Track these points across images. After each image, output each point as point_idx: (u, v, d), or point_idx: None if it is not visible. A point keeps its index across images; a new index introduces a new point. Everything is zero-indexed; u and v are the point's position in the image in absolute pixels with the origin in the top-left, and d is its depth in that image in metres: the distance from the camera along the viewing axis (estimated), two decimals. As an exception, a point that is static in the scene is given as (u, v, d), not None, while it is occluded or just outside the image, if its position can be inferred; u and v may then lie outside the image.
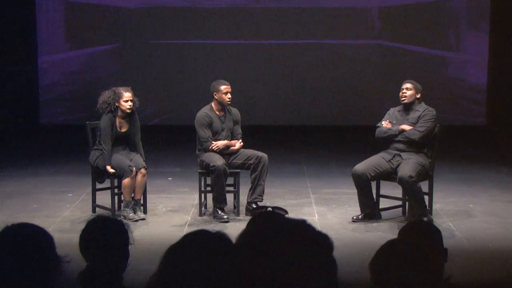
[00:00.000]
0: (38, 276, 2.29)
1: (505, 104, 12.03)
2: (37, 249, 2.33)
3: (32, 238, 2.36)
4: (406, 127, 6.88)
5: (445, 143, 8.64)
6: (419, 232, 2.95)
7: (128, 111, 7.02)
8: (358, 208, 6.97)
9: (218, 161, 6.93)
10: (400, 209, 7.19)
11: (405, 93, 6.92)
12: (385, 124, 7.00)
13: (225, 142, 7.15)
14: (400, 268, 2.39)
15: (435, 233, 3.02)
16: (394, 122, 7.00)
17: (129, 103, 7.00)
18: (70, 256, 2.42)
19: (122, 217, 6.80)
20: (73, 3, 12.30)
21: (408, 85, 6.95)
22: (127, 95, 7.00)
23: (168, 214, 7.30)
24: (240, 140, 7.25)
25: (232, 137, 7.27)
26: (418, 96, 6.94)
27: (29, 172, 9.16)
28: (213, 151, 7.07)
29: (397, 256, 2.43)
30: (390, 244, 2.51)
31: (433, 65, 12.29)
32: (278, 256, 1.71)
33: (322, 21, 12.34)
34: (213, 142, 7.10)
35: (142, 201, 7.16)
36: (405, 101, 6.93)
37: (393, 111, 7.10)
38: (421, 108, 6.94)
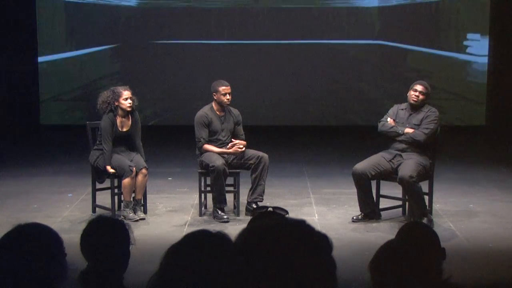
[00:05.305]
0: (43, 278, 2.29)
1: (505, 104, 12.03)
2: (47, 251, 2.33)
3: (43, 239, 2.36)
4: (410, 130, 6.86)
5: (445, 143, 8.65)
6: (415, 233, 2.95)
7: (129, 109, 7.04)
8: (358, 208, 6.97)
9: (217, 161, 6.93)
10: (400, 209, 7.20)
11: (418, 96, 6.86)
12: (390, 120, 6.99)
13: (219, 150, 7.12)
14: (399, 268, 2.39)
15: (431, 235, 3.01)
16: (397, 120, 6.99)
17: (129, 101, 7.02)
18: (76, 265, 2.43)
19: (122, 217, 6.80)
20: (73, 3, 12.30)
21: (422, 88, 6.87)
22: (126, 93, 7.02)
23: (168, 214, 7.30)
24: (244, 143, 7.21)
25: (234, 138, 7.26)
26: (426, 100, 6.94)
27: (29, 172, 9.16)
28: (206, 150, 7.08)
29: (396, 256, 2.43)
30: (389, 244, 2.52)
31: (433, 65, 12.28)
32: (278, 256, 1.71)
33: (322, 21, 12.34)
34: (205, 145, 7.09)
35: (142, 201, 7.17)
36: (414, 104, 6.90)
37: (397, 108, 7.07)
38: (425, 108, 6.93)
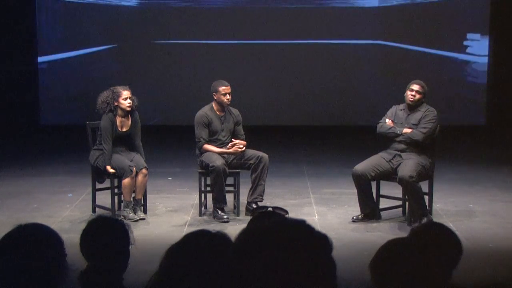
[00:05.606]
0: (43, 279, 2.29)
1: (505, 104, 12.03)
2: (47, 252, 2.33)
3: (43, 240, 2.37)
4: (408, 130, 6.86)
5: (445, 143, 8.64)
6: (434, 235, 2.90)
7: (128, 109, 7.04)
8: (358, 208, 6.97)
9: (217, 161, 6.93)
10: (400, 209, 7.20)
11: (414, 96, 6.86)
12: (388, 121, 6.99)
13: (219, 150, 7.12)
14: (400, 268, 2.38)
15: (451, 239, 2.95)
16: (396, 121, 7.00)
17: (128, 100, 7.02)
18: (76, 265, 2.43)
19: (122, 217, 6.79)
20: (73, 3, 12.30)
21: (418, 88, 6.87)
22: (125, 93, 7.02)
23: (168, 214, 7.31)
24: (244, 143, 7.21)
25: (234, 138, 7.25)
26: (424, 99, 6.94)
27: (29, 172, 9.16)
28: (206, 150, 7.08)
29: (397, 256, 2.43)
30: (390, 244, 2.51)
31: (433, 65, 12.28)
32: (277, 256, 1.71)
33: (322, 21, 12.34)
34: (205, 145, 7.09)
35: (142, 201, 7.17)
36: (411, 104, 6.91)
37: (395, 109, 7.08)
38: (423, 108, 6.93)
